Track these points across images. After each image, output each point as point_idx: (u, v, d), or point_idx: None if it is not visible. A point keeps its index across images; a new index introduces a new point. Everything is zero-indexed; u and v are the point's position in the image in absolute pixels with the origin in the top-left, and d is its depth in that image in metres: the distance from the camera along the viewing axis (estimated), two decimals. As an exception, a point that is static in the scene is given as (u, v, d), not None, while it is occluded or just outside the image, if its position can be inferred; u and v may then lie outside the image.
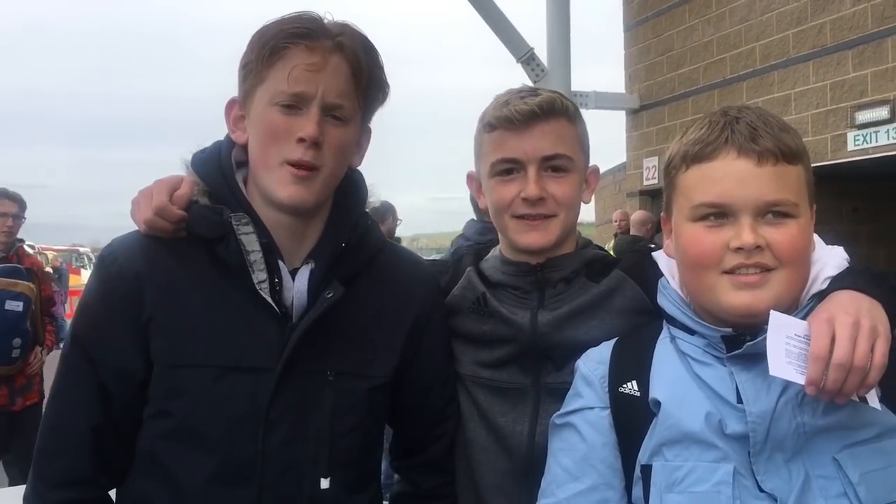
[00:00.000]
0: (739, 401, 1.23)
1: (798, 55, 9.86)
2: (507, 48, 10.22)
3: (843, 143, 9.35)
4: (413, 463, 1.70)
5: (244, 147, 1.52)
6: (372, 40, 1.52)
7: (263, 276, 1.44)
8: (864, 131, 9.06)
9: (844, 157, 9.36)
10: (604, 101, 12.97)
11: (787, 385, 1.20)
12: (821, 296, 1.27)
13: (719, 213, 1.25)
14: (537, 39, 10.24)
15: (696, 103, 11.48)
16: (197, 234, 1.46)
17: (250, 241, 1.44)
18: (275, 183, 1.44)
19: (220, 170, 1.51)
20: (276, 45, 1.43)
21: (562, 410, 1.41)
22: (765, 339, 1.19)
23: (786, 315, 1.20)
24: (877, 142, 8.95)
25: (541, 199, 1.58)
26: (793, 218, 1.24)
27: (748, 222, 1.22)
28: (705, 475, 1.21)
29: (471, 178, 1.76)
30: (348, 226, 1.54)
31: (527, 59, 10.23)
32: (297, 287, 1.47)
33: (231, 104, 1.55)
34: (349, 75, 1.46)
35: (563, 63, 10.64)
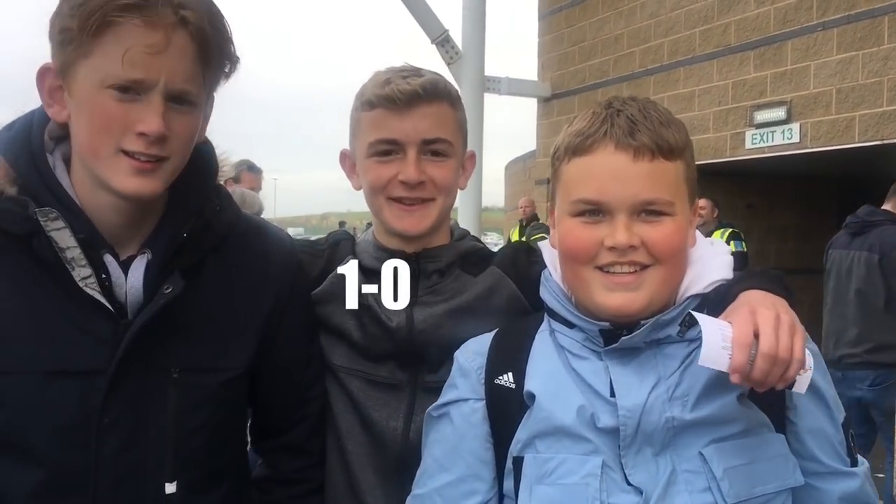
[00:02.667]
0: (613, 394, 1.24)
1: (703, 53, 10.16)
2: (422, 28, 10.14)
3: (742, 141, 9.70)
4: (274, 445, 1.62)
5: (63, 123, 1.34)
6: (217, 4, 1.34)
7: (88, 271, 1.30)
8: (762, 130, 9.42)
9: (742, 154, 9.72)
10: (516, 87, 13.06)
11: (658, 380, 1.23)
12: (704, 298, 1.30)
13: (595, 210, 1.25)
14: (453, 22, 10.21)
15: (605, 95, 11.68)
16: (2, 229, 1.30)
17: (63, 238, 1.29)
18: (110, 172, 1.29)
19: (30, 153, 1.33)
20: (104, 16, 1.21)
21: (438, 402, 1.40)
22: (639, 333, 1.23)
23: (705, 315, 1.21)
24: (773, 141, 9.32)
25: (420, 182, 1.54)
26: (668, 216, 1.25)
27: (623, 221, 1.23)
28: (575, 468, 1.22)
29: (344, 157, 1.69)
30: (191, 211, 1.40)
31: (441, 40, 10.18)
32: (131, 281, 1.34)
33: (44, 72, 1.32)
34: (195, 55, 1.29)
35: (478, 47, 10.63)
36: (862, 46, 8.21)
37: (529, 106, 13.89)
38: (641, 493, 1.19)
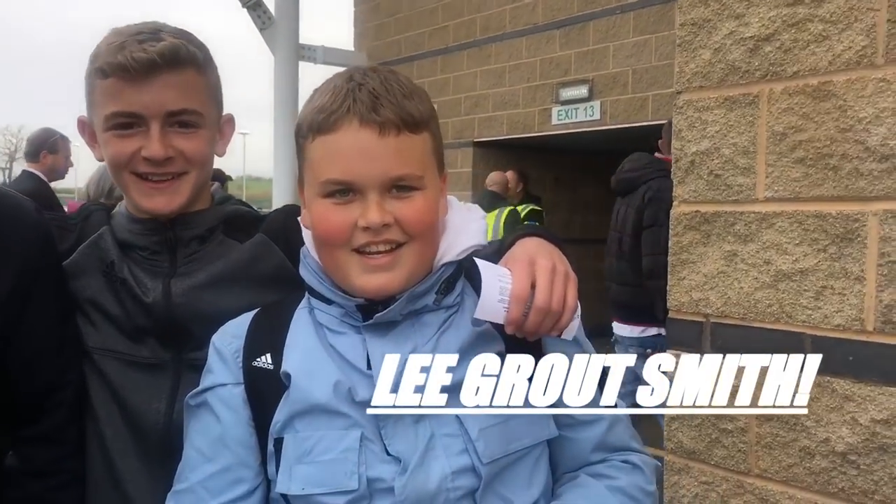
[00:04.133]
0: (370, 367, 1.24)
1: (514, 30, 10.49)
2: (232, -9, 9.72)
3: (549, 117, 10.15)
4: (24, 435, 1.47)
5: None
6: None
7: None
8: (567, 107, 9.91)
9: (549, 130, 10.18)
10: (332, 56, 12.86)
11: (414, 348, 1.24)
12: (459, 264, 1.31)
13: (345, 190, 1.22)
14: (265, -14, 9.86)
15: (420, 68, 11.80)
16: None
17: None
18: None
19: None
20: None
21: (195, 390, 1.33)
22: (394, 308, 1.23)
23: (488, 263, 1.23)
24: (576, 118, 9.83)
25: (168, 158, 1.41)
26: (419, 190, 1.24)
27: (375, 199, 1.21)
28: (333, 444, 1.21)
29: (83, 125, 1.52)
30: None
31: (253, 5, 9.81)
32: None
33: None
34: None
35: (292, 13, 10.35)
36: (656, 30, 8.82)
37: (345, 76, 13.73)
38: (401, 461, 1.19)
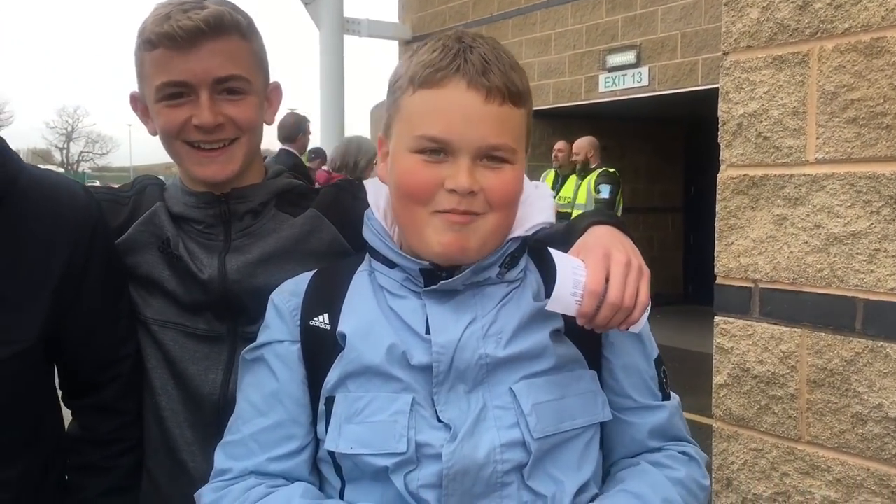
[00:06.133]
0: (428, 332, 1.23)
1: (559, -3, 10.34)
2: (277, -34, 9.76)
3: (596, 85, 10.01)
4: (85, 404, 1.53)
5: None
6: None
7: None
8: (614, 74, 9.76)
9: (596, 97, 10.04)
10: (376, 29, 12.86)
11: (474, 318, 1.24)
12: (524, 240, 1.31)
13: (438, 150, 1.21)
14: (308, -40, 9.88)
15: (465, 38, 11.71)
16: None
17: None
18: None
19: None
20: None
21: (252, 345, 1.35)
22: (460, 277, 1.23)
23: (562, 253, 1.22)
24: (624, 84, 9.67)
25: (218, 125, 1.43)
26: (509, 164, 1.23)
27: (466, 164, 1.20)
28: (384, 405, 1.21)
29: (135, 100, 1.55)
30: None
31: (297, -21, 9.84)
32: None
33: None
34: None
35: (336, -13, 10.37)
36: (705, -8, 8.60)
37: (392, 48, 13.73)
38: (450, 429, 1.19)
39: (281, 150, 6.70)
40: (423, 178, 1.21)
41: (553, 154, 8.86)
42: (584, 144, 8.25)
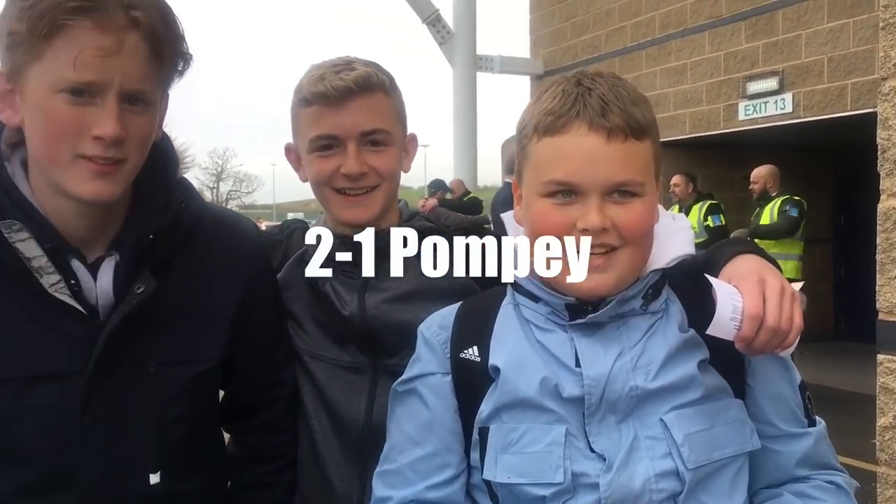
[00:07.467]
0: (578, 365, 1.26)
1: (695, 25, 10.13)
2: (413, 8, 10.10)
3: (735, 113, 9.69)
4: (248, 426, 1.65)
5: (17, 127, 1.31)
6: (168, 3, 1.32)
7: (56, 277, 1.30)
8: (755, 101, 9.42)
9: (736, 126, 9.72)
10: (509, 65, 13.02)
11: (622, 351, 1.26)
12: (665, 272, 1.32)
13: (567, 192, 1.25)
14: (443, 1, 10.17)
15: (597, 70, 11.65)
16: None
17: (28, 248, 1.28)
18: (67, 178, 1.27)
19: None
20: (54, 20, 1.18)
21: (403, 377, 1.40)
22: (606, 311, 1.26)
23: (721, 281, 1.25)
24: (766, 112, 9.32)
25: (362, 174, 1.59)
26: (639, 197, 1.25)
27: (595, 203, 1.23)
28: (539, 436, 1.24)
29: (289, 151, 1.72)
30: (157, 209, 1.39)
31: (432, 20, 10.17)
32: (101, 284, 1.35)
33: None
34: (148, 55, 1.27)
35: (469, 26, 10.61)
36: (853, 14, 8.20)
37: (521, 84, 13.84)
38: (605, 459, 1.21)
39: (504, 184, 6.64)
40: (556, 220, 1.26)
41: (670, 189, 8.81)
42: (762, 173, 8.11)
